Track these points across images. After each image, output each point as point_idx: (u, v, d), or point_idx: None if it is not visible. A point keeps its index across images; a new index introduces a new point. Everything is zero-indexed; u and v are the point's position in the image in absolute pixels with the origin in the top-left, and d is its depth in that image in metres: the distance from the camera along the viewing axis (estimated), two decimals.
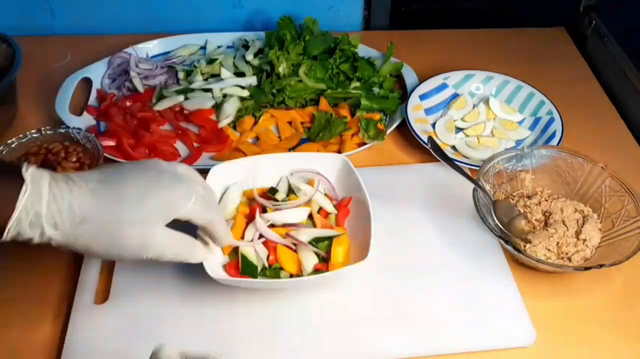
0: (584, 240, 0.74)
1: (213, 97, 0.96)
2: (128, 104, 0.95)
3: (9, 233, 0.50)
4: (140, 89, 0.98)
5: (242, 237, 0.71)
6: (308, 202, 0.74)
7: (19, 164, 0.51)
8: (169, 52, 1.07)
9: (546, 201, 0.78)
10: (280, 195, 0.75)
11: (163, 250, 0.57)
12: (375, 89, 0.97)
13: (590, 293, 0.72)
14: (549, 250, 0.73)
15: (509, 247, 0.70)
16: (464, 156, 0.87)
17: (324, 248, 0.70)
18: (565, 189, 0.80)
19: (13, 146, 0.81)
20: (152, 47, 1.06)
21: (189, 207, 0.57)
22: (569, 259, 0.72)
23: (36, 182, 0.50)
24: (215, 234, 0.62)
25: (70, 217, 0.51)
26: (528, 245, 0.73)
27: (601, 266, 0.67)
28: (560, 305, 0.71)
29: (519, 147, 0.82)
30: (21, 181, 0.50)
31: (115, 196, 0.54)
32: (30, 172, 0.51)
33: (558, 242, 0.73)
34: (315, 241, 0.70)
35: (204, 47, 1.08)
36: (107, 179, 0.54)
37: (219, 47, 1.08)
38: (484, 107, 0.95)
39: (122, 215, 0.53)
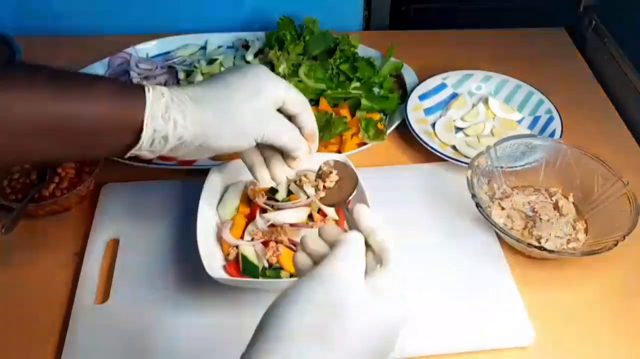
0: (575, 220, 0.77)
1: None
2: None
3: (147, 129, 0.54)
4: None
5: (242, 237, 0.71)
6: (308, 203, 0.74)
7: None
8: (169, 52, 1.06)
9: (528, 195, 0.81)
10: (281, 195, 0.75)
11: (279, 128, 0.61)
12: (375, 89, 0.97)
13: (589, 288, 0.73)
14: (560, 238, 0.75)
15: (513, 241, 0.72)
16: (464, 156, 0.87)
17: None
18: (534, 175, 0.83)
19: None
20: (152, 47, 1.06)
21: (283, 89, 0.60)
22: (577, 239, 0.75)
23: (154, 86, 0.56)
24: (306, 121, 0.63)
25: (192, 105, 0.56)
26: (542, 240, 0.74)
27: (615, 244, 0.69)
28: (560, 304, 0.71)
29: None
30: (141, 87, 0.55)
31: (220, 86, 0.58)
32: (144, 83, 0.56)
33: (562, 228, 0.76)
34: None
35: (204, 47, 1.08)
36: (211, 78, 0.60)
37: (219, 47, 1.08)
38: (483, 107, 0.95)
39: (235, 94, 0.58)
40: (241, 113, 0.58)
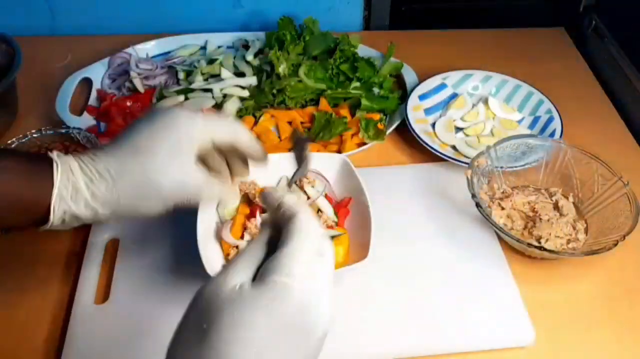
0: (575, 220, 0.77)
1: (213, 97, 0.96)
2: (128, 104, 0.95)
3: (54, 212, 0.51)
4: (141, 89, 0.98)
5: (242, 237, 0.71)
6: (309, 203, 0.74)
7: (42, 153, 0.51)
8: (169, 52, 1.07)
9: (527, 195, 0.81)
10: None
11: (199, 189, 0.55)
12: (375, 89, 0.97)
13: (589, 288, 0.73)
14: (560, 238, 0.75)
15: (513, 241, 0.72)
16: (465, 156, 0.87)
17: None
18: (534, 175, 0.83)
19: (13, 146, 0.81)
20: (152, 47, 1.06)
21: (199, 129, 0.54)
22: (577, 239, 0.75)
23: (63, 159, 0.52)
24: (248, 148, 0.58)
25: (103, 183, 0.52)
26: (542, 240, 0.74)
27: (615, 244, 0.69)
28: (560, 304, 0.71)
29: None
30: (50, 162, 0.51)
31: (130, 152, 0.53)
32: (55, 154, 0.52)
33: (562, 228, 0.76)
34: None
35: (204, 47, 1.08)
36: (120, 138, 0.54)
37: (219, 47, 1.08)
38: (483, 107, 0.95)
39: (148, 164, 0.53)
40: (158, 184, 0.53)
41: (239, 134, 0.57)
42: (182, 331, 0.42)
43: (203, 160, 0.57)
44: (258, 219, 0.71)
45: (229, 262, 0.43)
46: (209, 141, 0.56)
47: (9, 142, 0.81)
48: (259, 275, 0.40)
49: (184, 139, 0.54)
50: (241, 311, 0.38)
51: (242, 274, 0.41)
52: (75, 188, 0.51)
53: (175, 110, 0.55)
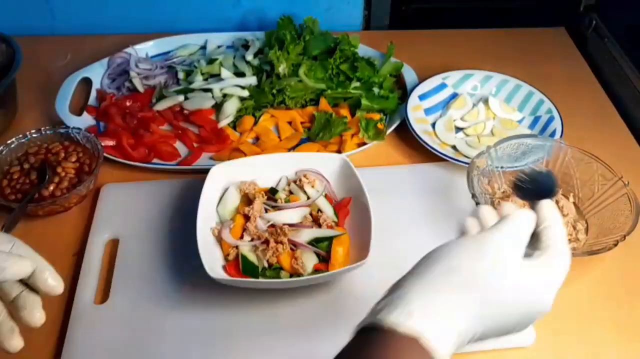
0: (575, 220, 0.77)
1: (213, 97, 0.96)
2: (128, 104, 0.95)
3: None
4: (140, 89, 0.98)
5: (242, 238, 0.71)
6: (308, 203, 0.74)
7: None
8: (168, 52, 1.07)
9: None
10: (281, 195, 0.75)
11: None
12: (375, 89, 0.97)
13: (590, 288, 0.73)
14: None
15: None
16: (465, 156, 0.87)
17: (324, 248, 0.70)
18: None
19: (13, 146, 0.81)
20: (151, 47, 1.06)
21: None
22: (577, 239, 0.75)
23: None
24: (42, 283, 0.51)
25: None
26: None
27: (616, 244, 0.69)
28: (561, 304, 0.71)
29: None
30: None
31: None
32: None
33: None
34: (315, 241, 0.70)
35: (203, 47, 1.08)
36: None
37: (218, 47, 1.08)
38: (483, 107, 0.95)
39: None
40: None
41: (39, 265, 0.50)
42: (462, 260, 0.46)
43: None
44: (258, 219, 0.72)
45: (504, 223, 0.49)
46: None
47: (9, 142, 0.81)
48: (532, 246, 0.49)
49: None
50: (524, 279, 0.46)
51: (520, 247, 0.48)
52: None
53: None
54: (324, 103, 0.94)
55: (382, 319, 0.41)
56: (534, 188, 0.68)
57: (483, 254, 0.45)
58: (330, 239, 0.70)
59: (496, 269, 0.45)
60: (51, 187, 0.77)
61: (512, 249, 0.47)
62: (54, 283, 0.51)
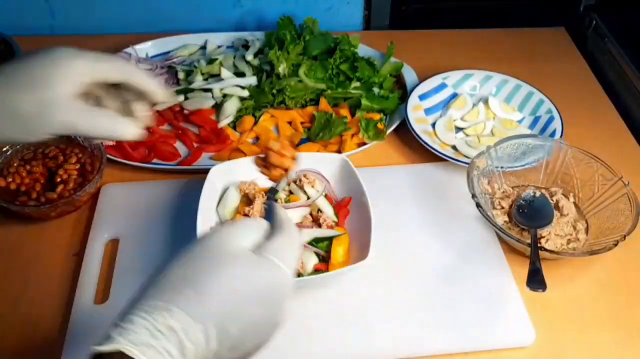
0: (575, 220, 0.77)
1: (213, 97, 0.96)
2: None
3: None
4: None
5: None
6: (309, 203, 0.74)
7: None
8: (168, 52, 1.06)
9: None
10: (281, 195, 0.75)
11: (74, 119, 0.52)
12: (375, 89, 0.97)
13: (590, 288, 0.73)
14: (560, 237, 0.75)
15: (513, 241, 0.72)
16: (465, 156, 0.87)
17: (324, 248, 0.70)
18: (535, 175, 0.83)
19: (8, 153, 0.80)
20: (151, 47, 1.06)
21: (82, 65, 0.54)
22: (577, 239, 0.76)
23: None
24: (141, 85, 0.56)
25: None
26: (542, 240, 0.74)
27: (616, 244, 0.69)
28: (561, 304, 0.71)
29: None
30: None
31: (4, 73, 0.52)
32: None
33: (562, 228, 0.76)
34: (316, 241, 0.70)
35: (203, 47, 1.08)
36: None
37: (218, 47, 1.08)
38: (483, 107, 0.95)
39: (12, 86, 0.51)
40: (18, 109, 0.50)
41: (130, 72, 0.56)
42: (183, 261, 0.46)
43: (97, 99, 0.57)
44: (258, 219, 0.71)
45: (226, 223, 0.50)
46: (95, 78, 0.54)
47: (4, 149, 0.80)
48: (259, 250, 0.48)
49: (55, 70, 0.53)
50: (240, 267, 0.45)
51: (245, 241, 0.48)
52: None
53: (57, 47, 0.55)
54: (324, 103, 0.94)
55: (94, 347, 0.40)
56: (532, 213, 0.74)
57: (201, 248, 0.46)
58: (330, 239, 0.70)
59: (212, 262, 0.45)
60: (59, 189, 0.77)
61: (233, 236, 0.47)
62: (151, 86, 0.57)
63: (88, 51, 0.55)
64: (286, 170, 0.61)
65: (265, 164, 0.62)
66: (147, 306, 0.42)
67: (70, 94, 0.52)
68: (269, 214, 0.53)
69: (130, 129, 0.55)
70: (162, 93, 0.58)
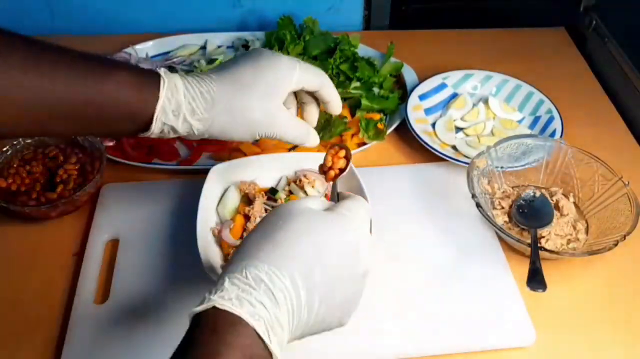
0: (575, 220, 0.77)
1: None
2: None
3: (156, 122, 0.57)
4: None
5: (242, 238, 0.71)
6: None
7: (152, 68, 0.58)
8: (168, 52, 1.06)
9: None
10: (281, 195, 0.75)
11: (285, 128, 0.62)
12: (375, 89, 0.97)
13: (590, 288, 0.73)
14: (560, 237, 0.75)
15: (513, 241, 0.72)
16: (465, 156, 0.87)
17: None
18: (535, 175, 0.83)
19: (9, 153, 0.80)
20: (151, 47, 1.06)
21: (297, 76, 0.62)
22: (577, 239, 0.76)
23: (170, 76, 0.58)
24: (328, 96, 0.66)
25: (203, 103, 0.58)
26: (542, 240, 0.74)
27: (616, 244, 0.69)
28: (561, 304, 0.71)
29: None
30: (158, 78, 0.57)
31: (233, 82, 0.59)
32: (162, 71, 0.58)
33: (562, 228, 0.76)
34: None
35: (203, 47, 1.08)
36: (224, 68, 0.61)
37: (219, 47, 1.08)
38: (483, 107, 0.95)
39: (248, 94, 0.59)
40: (251, 115, 0.60)
41: (325, 84, 0.65)
42: (259, 228, 0.48)
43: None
44: (258, 219, 0.71)
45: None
46: (300, 87, 0.63)
47: (4, 149, 0.80)
48: (329, 208, 0.51)
49: (281, 82, 0.61)
50: (313, 220, 0.47)
51: (314, 205, 0.50)
52: (177, 104, 0.57)
53: (278, 55, 0.62)
54: None
55: (193, 309, 0.43)
56: (532, 213, 0.74)
57: (282, 210, 0.49)
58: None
59: (288, 218, 0.48)
60: (59, 189, 0.77)
61: (311, 203, 0.50)
62: (335, 98, 0.67)
63: (295, 59, 0.63)
64: (340, 170, 0.64)
65: (322, 167, 0.65)
66: (233, 268, 0.44)
67: (283, 101, 0.62)
68: (333, 196, 0.59)
69: (315, 139, 0.67)
70: (340, 106, 0.68)
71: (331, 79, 0.96)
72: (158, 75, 0.57)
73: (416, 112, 0.93)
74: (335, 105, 0.67)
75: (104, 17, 1.14)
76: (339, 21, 1.17)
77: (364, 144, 0.88)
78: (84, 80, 0.54)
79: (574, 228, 0.77)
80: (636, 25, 1.04)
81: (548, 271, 0.69)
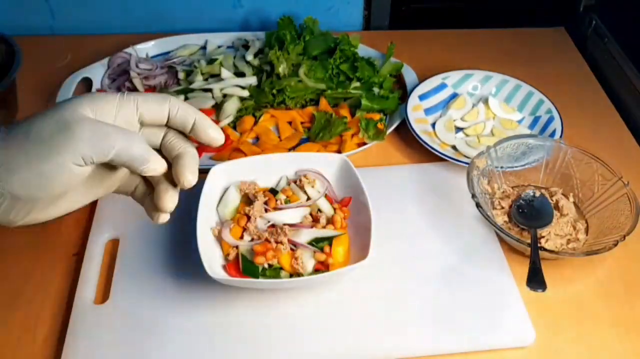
0: (575, 220, 0.77)
1: (213, 97, 0.96)
2: None
3: None
4: (141, 89, 0.98)
5: (242, 238, 0.71)
6: (309, 203, 0.74)
7: None
8: (169, 52, 1.07)
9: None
10: (281, 196, 0.75)
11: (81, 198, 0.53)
12: (375, 89, 0.97)
13: (590, 288, 0.73)
14: (560, 237, 0.75)
15: (513, 241, 0.72)
16: (465, 156, 0.87)
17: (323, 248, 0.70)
18: (535, 175, 0.83)
19: None
20: (152, 47, 1.06)
21: (80, 155, 0.47)
22: (577, 239, 0.76)
23: None
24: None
25: None
26: (542, 240, 0.74)
27: (615, 243, 0.69)
28: (561, 304, 0.71)
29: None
30: None
31: (22, 140, 0.48)
32: None
33: (562, 228, 0.76)
34: (315, 241, 0.70)
35: (204, 47, 1.08)
36: (15, 129, 0.49)
37: (219, 47, 1.08)
38: (483, 107, 0.95)
39: (32, 152, 0.47)
40: (45, 181, 0.48)
41: (172, 108, 0.52)
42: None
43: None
44: (258, 219, 0.71)
45: None
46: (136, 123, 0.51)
47: None
48: None
49: (70, 156, 0.47)
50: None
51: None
52: None
53: (77, 105, 0.49)
54: (324, 103, 0.94)
55: None
56: (531, 213, 0.74)
57: None
58: (330, 239, 0.70)
59: None
60: None
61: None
62: (214, 133, 0.54)
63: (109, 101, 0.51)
64: None
65: None
66: None
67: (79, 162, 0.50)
68: None
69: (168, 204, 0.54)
70: (217, 132, 0.55)
71: (331, 79, 0.97)
72: None
73: (416, 112, 0.93)
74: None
75: (104, 17, 1.14)
76: (339, 21, 1.17)
77: (364, 144, 0.88)
78: None
79: (574, 228, 0.77)
80: (636, 25, 1.04)
81: (548, 271, 0.69)
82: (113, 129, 0.48)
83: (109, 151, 0.47)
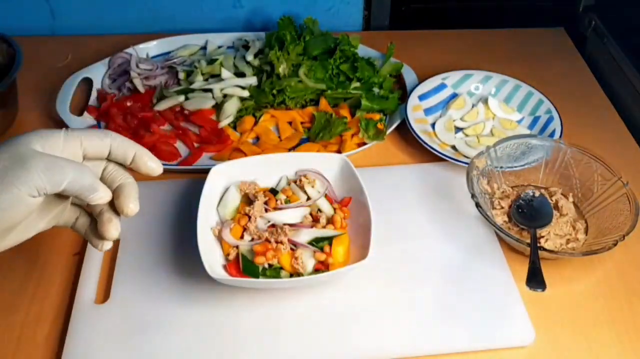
0: (574, 220, 0.77)
1: (213, 97, 0.96)
2: (128, 104, 0.95)
3: None
4: (141, 89, 0.98)
5: (242, 237, 0.71)
6: (309, 203, 0.74)
7: None
8: (169, 52, 1.07)
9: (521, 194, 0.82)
10: (281, 196, 0.75)
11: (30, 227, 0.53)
12: (375, 89, 0.97)
13: (589, 288, 0.73)
14: (560, 237, 0.75)
15: (513, 241, 0.72)
16: (465, 156, 0.87)
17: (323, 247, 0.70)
18: (534, 175, 0.83)
19: None
20: (152, 47, 1.06)
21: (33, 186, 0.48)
22: (577, 239, 0.76)
23: None
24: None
25: None
26: (542, 240, 0.74)
27: (615, 243, 0.69)
28: (560, 304, 0.71)
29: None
30: None
31: None
32: None
33: (562, 227, 0.76)
34: (316, 241, 0.70)
35: (204, 48, 1.08)
36: None
37: (219, 47, 1.08)
38: (482, 107, 0.95)
39: None
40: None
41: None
42: None
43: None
44: (258, 219, 0.72)
45: None
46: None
47: None
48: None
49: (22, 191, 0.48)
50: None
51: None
52: None
53: (28, 141, 0.51)
54: (324, 103, 0.95)
55: None
56: (531, 213, 0.74)
57: None
58: (330, 239, 0.70)
59: None
60: None
61: None
62: (153, 165, 0.56)
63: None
64: None
65: None
66: None
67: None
68: None
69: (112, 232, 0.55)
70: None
71: (331, 79, 0.97)
72: None
73: (416, 112, 0.93)
74: (154, 171, 0.55)
75: (104, 17, 1.14)
76: (339, 21, 1.17)
77: (364, 144, 0.88)
78: None
79: (573, 228, 0.77)
80: (636, 25, 1.05)
81: (548, 271, 0.69)
82: (65, 161, 0.50)
83: (62, 181, 0.49)
